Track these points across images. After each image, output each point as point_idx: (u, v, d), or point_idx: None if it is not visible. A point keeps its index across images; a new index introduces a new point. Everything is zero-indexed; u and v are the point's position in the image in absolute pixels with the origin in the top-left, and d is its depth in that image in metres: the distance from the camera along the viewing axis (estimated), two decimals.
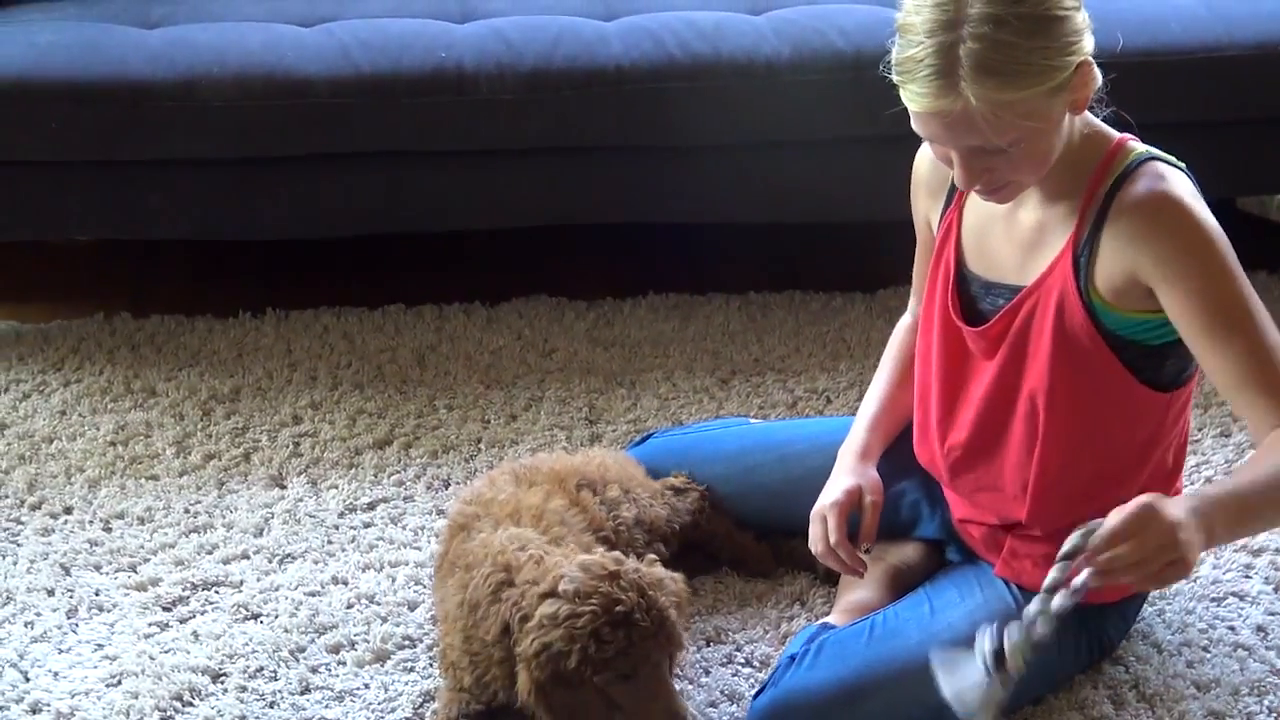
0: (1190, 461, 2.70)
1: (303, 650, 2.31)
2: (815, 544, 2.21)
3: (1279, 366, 1.88)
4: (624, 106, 3.11)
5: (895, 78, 1.87)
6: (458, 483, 2.72)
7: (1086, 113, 1.96)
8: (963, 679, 1.83)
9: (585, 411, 2.96)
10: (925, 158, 2.15)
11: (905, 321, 2.37)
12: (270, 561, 2.53)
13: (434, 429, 2.91)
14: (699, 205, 3.28)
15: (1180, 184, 1.93)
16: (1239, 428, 2.83)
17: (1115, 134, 2.00)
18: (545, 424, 2.92)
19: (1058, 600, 1.75)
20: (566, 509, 2.26)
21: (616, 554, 2.07)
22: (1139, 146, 1.99)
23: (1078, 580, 1.74)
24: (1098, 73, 1.90)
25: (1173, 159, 1.98)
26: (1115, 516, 1.74)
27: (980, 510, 2.22)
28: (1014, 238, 2.06)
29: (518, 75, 3.08)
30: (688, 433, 2.64)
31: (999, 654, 1.78)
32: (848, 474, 2.25)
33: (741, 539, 2.48)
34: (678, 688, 2.21)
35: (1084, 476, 2.10)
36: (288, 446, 2.84)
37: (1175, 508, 1.74)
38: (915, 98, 1.85)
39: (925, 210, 2.21)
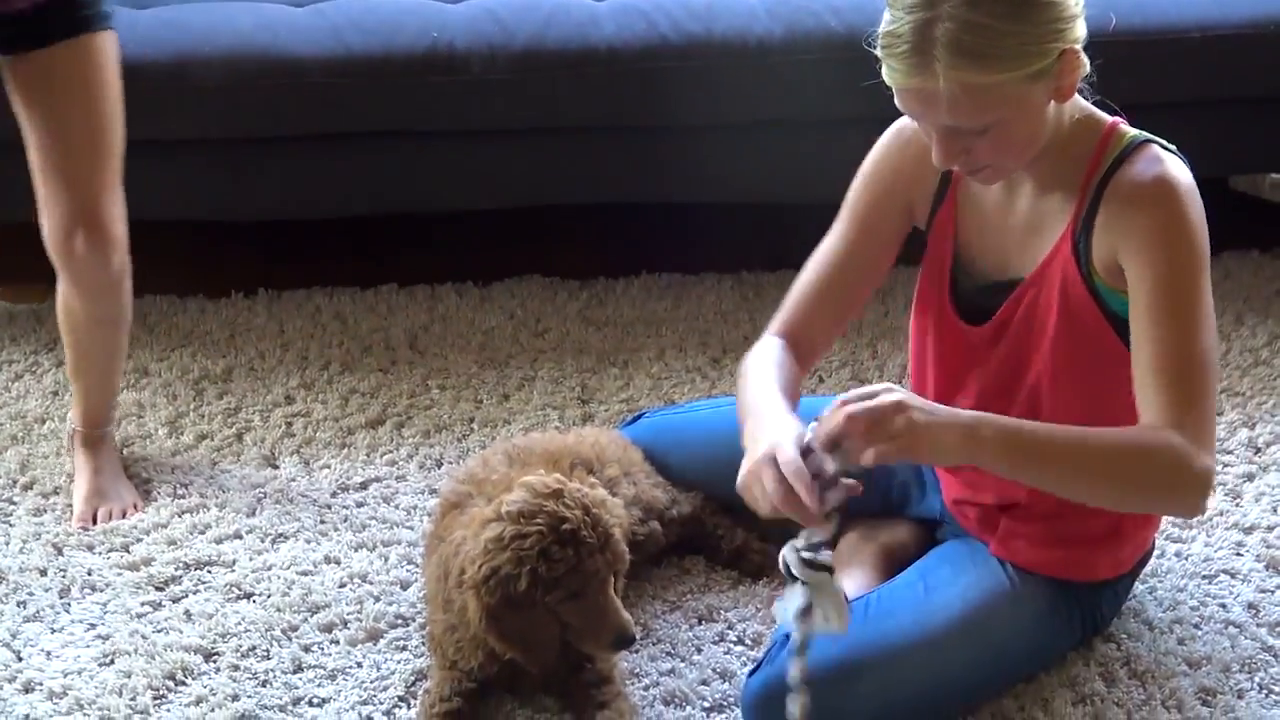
0: None
1: (295, 629, 2.31)
2: (762, 504, 1.88)
3: (1194, 373, 1.85)
4: (616, 86, 3.11)
5: (878, 51, 1.86)
6: (450, 462, 2.72)
7: (1078, 98, 1.94)
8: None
9: (578, 391, 2.96)
10: (924, 149, 2.08)
11: (773, 348, 2.18)
12: (263, 541, 2.53)
13: (426, 408, 2.91)
14: (691, 185, 3.28)
15: (1177, 169, 1.91)
16: (1230, 406, 2.84)
17: (1107, 118, 1.98)
18: (538, 403, 2.92)
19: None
20: None
21: (558, 475, 2.07)
22: (1132, 130, 1.98)
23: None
24: (1085, 60, 1.86)
25: (1164, 142, 1.97)
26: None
27: (978, 491, 2.21)
28: (1012, 230, 2.04)
29: (510, 55, 3.07)
30: (679, 412, 2.64)
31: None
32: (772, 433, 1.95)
33: (745, 538, 2.45)
34: (670, 666, 2.22)
35: None
36: (280, 426, 2.84)
37: (918, 400, 1.77)
38: (891, 73, 1.84)
39: (909, 195, 2.15)
